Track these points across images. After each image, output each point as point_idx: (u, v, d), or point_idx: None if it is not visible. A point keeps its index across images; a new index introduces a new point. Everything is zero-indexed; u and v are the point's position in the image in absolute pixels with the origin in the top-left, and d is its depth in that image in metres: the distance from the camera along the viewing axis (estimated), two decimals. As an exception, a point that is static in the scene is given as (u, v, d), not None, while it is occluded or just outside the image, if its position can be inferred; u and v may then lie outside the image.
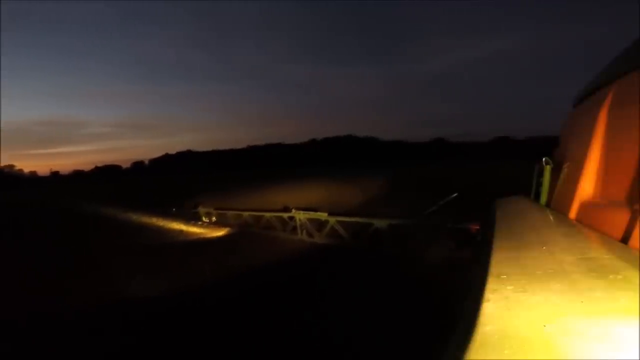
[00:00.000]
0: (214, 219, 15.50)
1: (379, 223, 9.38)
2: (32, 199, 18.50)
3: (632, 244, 1.77)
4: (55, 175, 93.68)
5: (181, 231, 13.78)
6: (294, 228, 11.73)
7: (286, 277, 8.60)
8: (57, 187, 43.57)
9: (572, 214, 2.56)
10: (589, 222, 2.30)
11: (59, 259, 9.51)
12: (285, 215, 12.19)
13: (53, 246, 10.33)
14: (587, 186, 2.49)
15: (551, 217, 2.84)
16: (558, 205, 3.00)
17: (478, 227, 6.82)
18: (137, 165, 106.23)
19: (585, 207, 2.46)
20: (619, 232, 1.90)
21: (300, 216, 11.45)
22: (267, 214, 13.09)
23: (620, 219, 1.90)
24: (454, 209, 9.72)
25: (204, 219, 15.55)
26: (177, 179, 43.67)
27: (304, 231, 11.41)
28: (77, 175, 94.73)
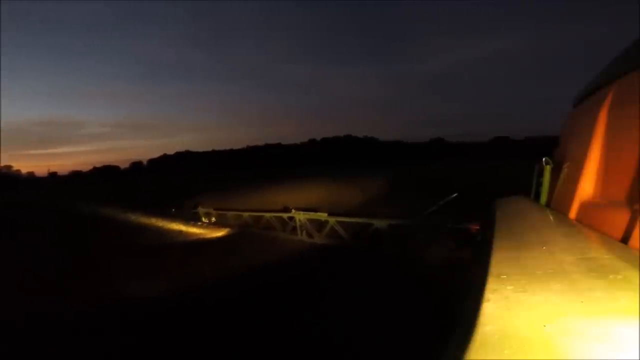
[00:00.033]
0: (213, 219, 15.50)
1: (379, 223, 9.38)
2: (30, 200, 18.48)
3: (632, 244, 1.76)
4: (53, 175, 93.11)
5: (180, 232, 13.77)
6: (294, 228, 11.73)
7: (286, 277, 8.60)
8: (55, 187, 43.51)
9: (572, 214, 2.55)
10: (589, 222, 2.29)
11: (58, 260, 9.50)
12: (285, 215, 12.19)
13: (52, 247, 10.32)
14: (587, 186, 2.49)
15: (551, 217, 2.84)
16: (558, 205, 3.00)
17: (478, 227, 6.82)
18: (136, 166, 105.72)
19: (585, 207, 2.46)
20: (619, 232, 1.89)
21: (300, 216, 11.45)
22: (267, 215, 13.09)
23: (620, 219, 1.90)
24: (454, 209, 9.73)
25: (203, 219, 15.55)
26: (176, 179, 43.65)
27: (304, 231, 11.41)
28: (75, 175, 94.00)
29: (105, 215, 13.92)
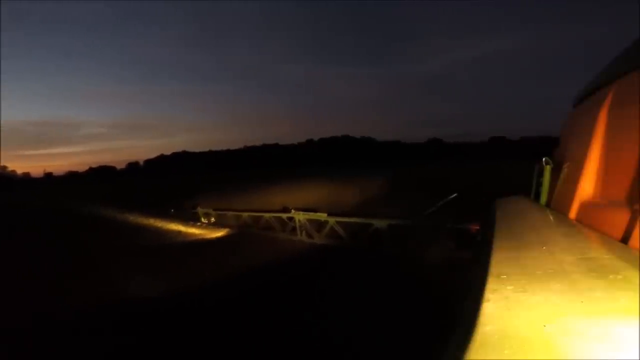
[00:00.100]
0: (212, 219, 15.48)
1: (379, 223, 9.38)
2: (26, 200, 18.46)
3: (632, 244, 1.76)
4: (49, 176, 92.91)
5: (179, 232, 13.75)
6: (294, 229, 11.72)
7: (286, 277, 8.60)
8: (51, 188, 43.36)
9: (572, 214, 2.56)
10: (589, 222, 2.29)
11: (57, 260, 9.49)
12: (285, 215, 12.18)
13: (50, 247, 10.31)
14: (587, 186, 2.49)
15: (551, 217, 2.84)
16: (558, 205, 3.00)
17: (478, 227, 6.82)
18: (132, 166, 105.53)
19: (585, 207, 2.46)
20: (619, 232, 1.89)
21: (300, 217, 11.44)
22: (267, 215, 13.08)
23: (620, 219, 1.90)
24: (454, 209, 9.73)
25: (202, 219, 15.53)
26: (173, 179, 43.66)
27: (304, 232, 11.40)
28: (72, 176, 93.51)
29: (103, 216, 13.90)
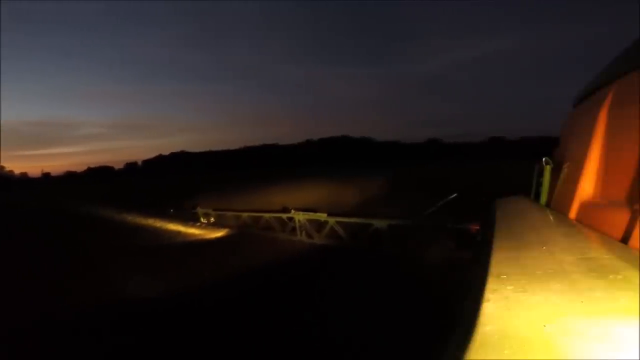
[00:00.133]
0: (212, 219, 15.46)
1: (379, 223, 9.38)
2: (24, 201, 18.45)
3: (632, 244, 1.76)
4: (46, 176, 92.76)
5: (179, 232, 13.75)
6: (293, 229, 11.72)
7: (286, 277, 8.60)
8: (49, 188, 43.22)
9: (572, 214, 2.55)
10: (589, 222, 2.29)
11: (56, 260, 9.49)
12: (285, 216, 12.17)
13: (49, 247, 10.31)
14: (587, 186, 2.49)
15: (551, 217, 2.84)
16: (558, 205, 3.00)
17: (478, 227, 6.82)
18: (130, 167, 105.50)
19: (585, 207, 2.46)
20: (619, 232, 1.89)
21: (300, 217, 11.43)
22: (266, 215, 13.08)
23: (620, 219, 1.90)
24: (454, 209, 9.73)
25: (202, 219, 15.52)
26: (172, 179, 43.63)
27: (304, 232, 11.40)
28: (69, 176, 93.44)
29: (102, 216, 13.90)
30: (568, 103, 3.81)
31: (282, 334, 5.87)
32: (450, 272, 6.00)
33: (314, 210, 11.46)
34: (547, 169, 3.35)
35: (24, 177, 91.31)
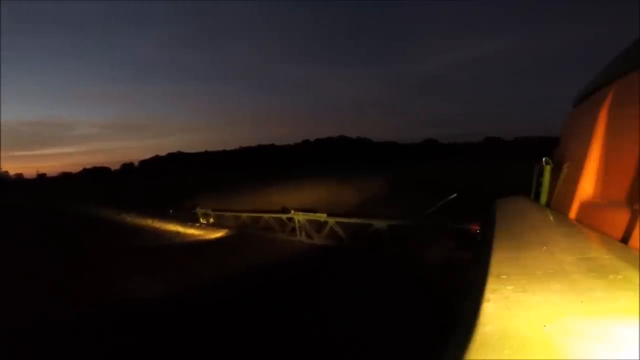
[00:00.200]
0: (211, 220, 15.46)
1: (379, 224, 9.37)
2: (21, 202, 18.47)
3: (632, 244, 1.76)
4: (42, 177, 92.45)
5: (178, 233, 13.75)
6: (293, 229, 11.71)
7: (285, 278, 8.60)
8: (45, 189, 43.06)
9: (572, 214, 2.55)
10: (589, 222, 2.29)
11: (55, 261, 9.50)
12: (284, 216, 12.17)
13: (47, 248, 10.32)
14: (587, 186, 2.49)
15: (551, 217, 2.83)
16: (558, 205, 3.00)
17: (478, 227, 6.82)
18: (127, 167, 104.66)
19: (585, 207, 2.46)
20: (619, 232, 1.89)
21: (299, 217, 11.43)
22: (266, 215, 13.07)
23: (620, 219, 1.90)
24: (454, 209, 9.73)
25: (201, 220, 15.51)
26: (168, 180, 43.58)
27: (303, 232, 11.39)
28: (65, 177, 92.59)
29: (101, 217, 13.92)
30: (568, 103, 3.81)
31: (281, 335, 5.87)
32: (450, 272, 6.00)
33: (314, 211, 11.46)
34: (547, 169, 3.35)
35: (19, 178, 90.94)
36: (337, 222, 10.43)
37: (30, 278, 8.27)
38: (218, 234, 13.94)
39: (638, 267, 1.43)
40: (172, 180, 43.47)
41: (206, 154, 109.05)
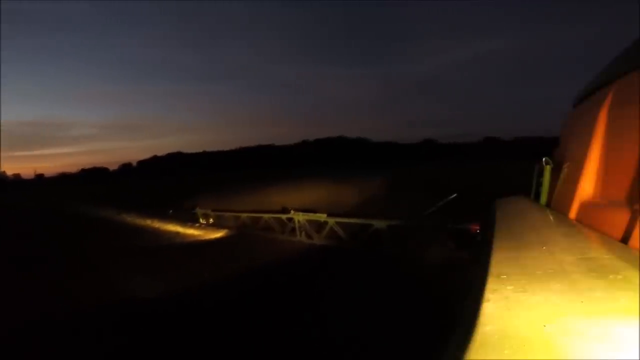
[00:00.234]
0: (211, 220, 15.45)
1: (379, 224, 9.37)
2: (20, 202, 18.48)
3: (632, 244, 1.76)
4: (39, 177, 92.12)
5: (177, 233, 13.75)
6: (293, 229, 11.71)
7: (286, 278, 8.60)
8: (43, 189, 42.95)
9: (572, 214, 2.55)
10: (589, 222, 2.29)
11: (55, 261, 9.51)
12: (284, 216, 12.16)
13: (47, 248, 10.32)
14: (587, 186, 2.49)
15: (551, 217, 2.83)
16: (558, 205, 3.00)
17: (478, 227, 6.82)
18: (125, 168, 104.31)
19: (585, 207, 2.46)
20: (619, 232, 1.89)
21: (299, 217, 11.42)
22: (266, 216, 13.07)
23: (620, 219, 1.90)
24: (454, 209, 9.73)
25: (201, 220, 15.50)
26: (168, 180, 43.54)
27: (303, 232, 11.39)
28: (63, 177, 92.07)
29: (100, 217, 13.92)
30: (568, 103, 3.81)
31: (281, 335, 5.87)
32: (450, 272, 6.01)
33: (314, 211, 11.45)
34: (547, 169, 3.35)
35: (17, 178, 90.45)
36: (337, 222, 10.43)
37: (30, 278, 8.27)
38: (218, 234, 13.93)
39: (638, 267, 1.43)
40: (171, 180, 43.43)
41: (205, 154, 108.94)
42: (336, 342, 5.52)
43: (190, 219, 15.17)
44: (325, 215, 10.77)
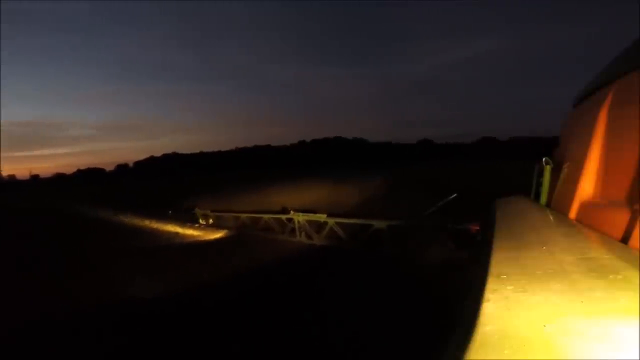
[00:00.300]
0: (211, 221, 15.42)
1: (379, 224, 9.36)
2: (17, 202, 18.45)
3: (632, 244, 1.76)
4: (35, 178, 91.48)
5: (177, 234, 13.72)
6: (293, 230, 11.70)
7: (285, 278, 8.59)
8: (38, 190, 42.92)
9: (572, 214, 2.55)
10: (589, 222, 2.29)
11: (55, 261, 9.50)
12: (284, 216, 12.15)
13: (47, 248, 10.32)
14: (587, 186, 2.49)
15: (551, 217, 2.83)
16: (558, 205, 2.99)
17: (478, 227, 6.82)
18: (121, 168, 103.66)
19: (585, 207, 2.45)
20: (619, 232, 1.89)
21: (299, 218, 11.42)
22: (265, 216, 13.05)
23: (620, 219, 1.89)
24: (454, 209, 9.72)
25: (201, 221, 15.48)
26: (164, 181, 43.45)
27: (303, 233, 11.38)
28: (59, 178, 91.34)
29: (99, 217, 13.91)
30: (568, 103, 3.81)
31: (281, 334, 5.87)
32: (450, 272, 6.01)
33: (313, 211, 11.44)
34: (547, 169, 3.35)
35: (11, 179, 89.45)
36: (336, 223, 10.42)
37: (30, 278, 8.27)
38: (217, 234, 13.91)
39: (638, 267, 1.43)
40: (167, 181, 43.33)
41: (201, 155, 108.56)
42: (336, 342, 5.52)
43: (189, 220, 15.14)
44: (325, 216, 10.76)
